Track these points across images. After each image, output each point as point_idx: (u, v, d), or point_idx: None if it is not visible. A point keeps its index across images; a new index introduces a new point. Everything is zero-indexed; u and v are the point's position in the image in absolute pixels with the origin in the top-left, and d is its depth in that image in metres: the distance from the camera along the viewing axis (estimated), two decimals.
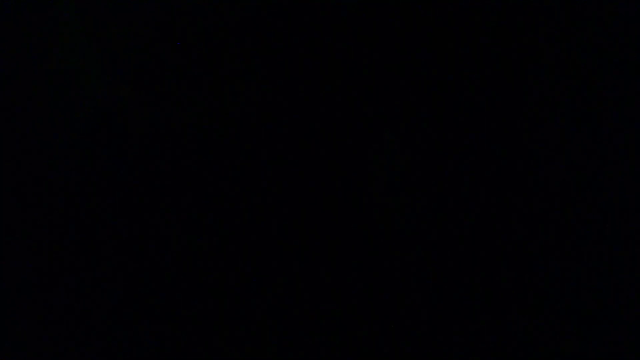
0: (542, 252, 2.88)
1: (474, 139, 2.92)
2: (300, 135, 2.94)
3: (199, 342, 2.86)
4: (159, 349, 2.86)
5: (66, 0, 2.85)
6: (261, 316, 2.87)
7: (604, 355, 2.82)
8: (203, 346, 2.87)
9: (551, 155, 2.90)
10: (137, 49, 2.90)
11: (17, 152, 2.87)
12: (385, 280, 2.89)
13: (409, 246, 2.90)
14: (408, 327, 2.86)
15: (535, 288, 2.86)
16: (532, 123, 2.91)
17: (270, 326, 2.87)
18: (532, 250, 2.88)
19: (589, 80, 2.91)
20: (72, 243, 2.89)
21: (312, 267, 2.90)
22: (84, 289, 2.88)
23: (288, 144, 2.93)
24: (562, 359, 2.83)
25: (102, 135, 2.86)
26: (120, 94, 2.83)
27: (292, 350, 2.86)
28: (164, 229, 2.91)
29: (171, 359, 2.86)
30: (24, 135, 2.86)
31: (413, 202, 2.91)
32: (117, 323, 2.87)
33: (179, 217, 2.91)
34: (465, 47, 2.92)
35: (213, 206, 2.91)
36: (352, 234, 2.90)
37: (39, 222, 2.89)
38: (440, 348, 2.85)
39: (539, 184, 2.90)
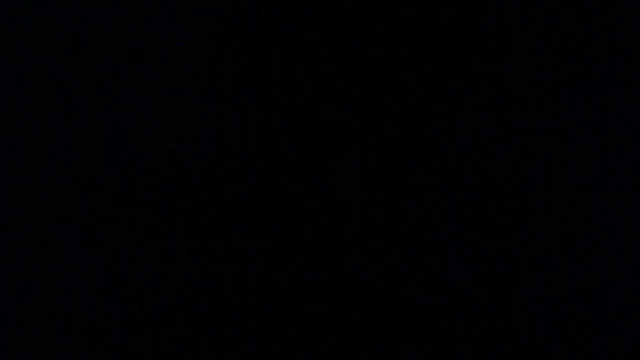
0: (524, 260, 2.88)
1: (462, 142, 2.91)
2: (272, 138, 2.94)
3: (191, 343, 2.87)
4: (158, 350, 2.86)
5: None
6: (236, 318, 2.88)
7: (604, 355, 2.82)
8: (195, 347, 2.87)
9: (536, 165, 2.90)
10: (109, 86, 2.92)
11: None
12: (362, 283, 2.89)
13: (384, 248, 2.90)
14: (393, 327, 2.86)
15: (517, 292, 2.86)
16: (521, 124, 2.91)
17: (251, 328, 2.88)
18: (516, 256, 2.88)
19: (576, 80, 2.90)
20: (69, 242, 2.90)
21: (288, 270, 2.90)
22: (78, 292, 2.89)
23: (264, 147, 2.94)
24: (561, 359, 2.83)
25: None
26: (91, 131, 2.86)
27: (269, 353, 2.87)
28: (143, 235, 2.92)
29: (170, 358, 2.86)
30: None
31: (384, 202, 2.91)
32: (114, 325, 2.88)
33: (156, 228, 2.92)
34: (453, 51, 2.92)
35: (190, 215, 2.91)
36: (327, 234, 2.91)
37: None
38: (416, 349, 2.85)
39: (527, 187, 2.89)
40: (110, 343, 2.86)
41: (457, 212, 2.90)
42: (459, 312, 2.86)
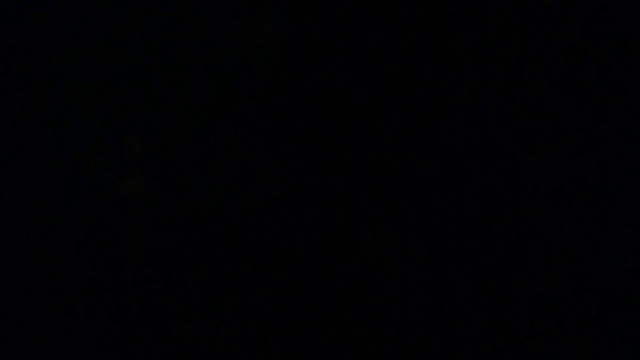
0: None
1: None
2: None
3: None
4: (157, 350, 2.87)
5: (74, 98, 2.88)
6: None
7: (603, 355, 2.82)
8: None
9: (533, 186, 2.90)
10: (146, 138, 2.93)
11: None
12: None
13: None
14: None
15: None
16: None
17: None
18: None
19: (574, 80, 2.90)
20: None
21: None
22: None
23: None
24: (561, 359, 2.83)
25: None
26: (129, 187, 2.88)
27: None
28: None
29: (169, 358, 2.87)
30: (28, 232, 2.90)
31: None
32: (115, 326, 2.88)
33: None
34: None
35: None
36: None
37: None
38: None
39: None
40: (109, 343, 2.87)
41: (457, 212, 2.90)
42: (459, 313, 2.86)
